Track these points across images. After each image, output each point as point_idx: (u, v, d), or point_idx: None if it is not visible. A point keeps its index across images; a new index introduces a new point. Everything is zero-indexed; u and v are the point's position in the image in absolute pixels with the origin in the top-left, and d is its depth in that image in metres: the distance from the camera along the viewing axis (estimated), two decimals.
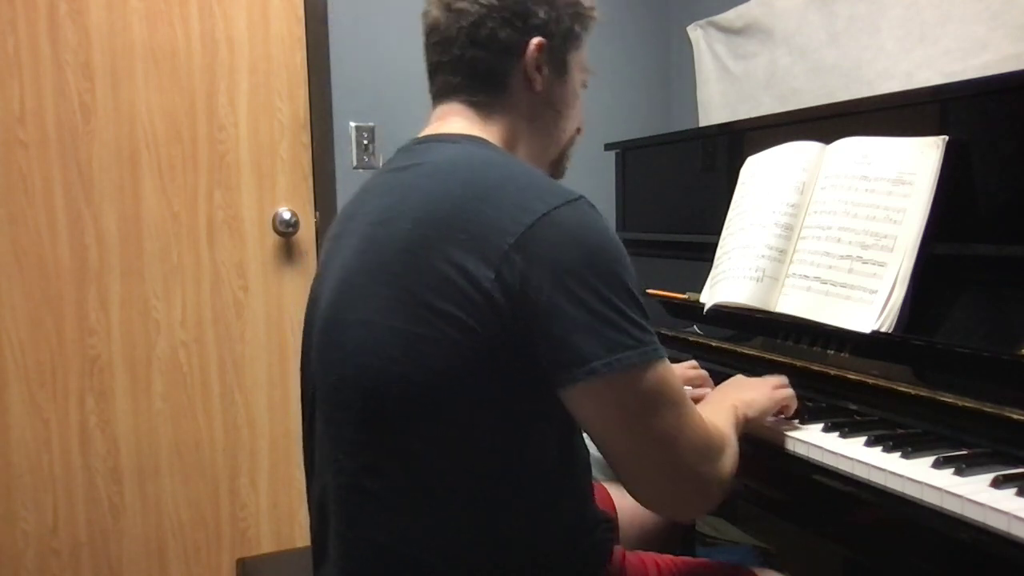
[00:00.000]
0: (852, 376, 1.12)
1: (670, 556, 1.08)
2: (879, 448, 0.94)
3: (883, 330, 1.07)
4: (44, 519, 1.93)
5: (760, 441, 1.06)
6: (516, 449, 0.81)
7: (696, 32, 2.31)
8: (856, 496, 0.93)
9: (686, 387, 1.14)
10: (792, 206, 1.27)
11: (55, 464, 1.93)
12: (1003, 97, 1.10)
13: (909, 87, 1.54)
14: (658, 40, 2.50)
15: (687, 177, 1.78)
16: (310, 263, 2.15)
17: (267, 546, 2.15)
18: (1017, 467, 0.86)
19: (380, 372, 0.79)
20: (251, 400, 2.11)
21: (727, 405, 0.97)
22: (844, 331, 1.12)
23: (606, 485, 1.25)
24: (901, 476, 0.87)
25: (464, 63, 0.92)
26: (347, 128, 2.15)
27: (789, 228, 1.27)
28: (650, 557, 1.06)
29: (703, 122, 2.30)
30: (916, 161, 1.12)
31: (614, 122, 2.34)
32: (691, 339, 1.47)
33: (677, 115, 2.48)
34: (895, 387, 1.05)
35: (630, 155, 1.94)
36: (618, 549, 1.01)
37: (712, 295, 1.36)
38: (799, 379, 1.20)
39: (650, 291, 1.62)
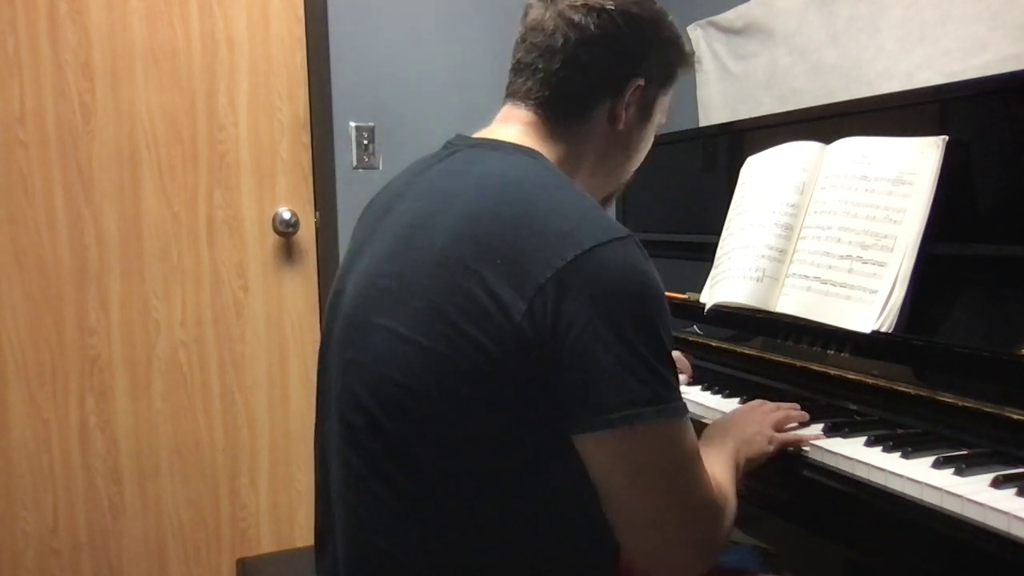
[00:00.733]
0: (852, 376, 1.12)
1: None
2: (879, 448, 0.94)
3: (883, 330, 1.07)
4: (44, 519, 1.93)
5: None
6: (526, 470, 0.79)
7: (696, 32, 2.31)
8: (856, 496, 0.92)
9: None
10: (792, 206, 1.27)
11: (55, 464, 1.93)
12: (1003, 97, 1.10)
13: (909, 87, 1.54)
14: None
15: (687, 177, 1.78)
16: (310, 263, 2.15)
17: (267, 546, 2.15)
18: (1017, 467, 0.86)
19: (400, 386, 0.78)
20: (251, 400, 2.11)
21: (729, 449, 0.93)
22: (844, 331, 1.12)
23: None
24: (901, 476, 0.87)
25: (557, 79, 0.87)
26: (347, 128, 2.15)
27: (789, 228, 1.27)
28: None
29: (703, 122, 2.30)
30: (916, 161, 1.11)
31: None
32: (691, 339, 1.47)
33: (677, 115, 2.47)
34: (895, 387, 1.05)
35: None
36: (624, 558, 1.00)
37: (712, 295, 1.36)
38: (799, 379, 1.20)
39: None
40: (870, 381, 1.09)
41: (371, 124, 2.17)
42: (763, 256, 1.27)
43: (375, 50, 2.16)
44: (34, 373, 1.90)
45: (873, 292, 1.10)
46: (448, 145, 0.91)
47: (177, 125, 1.99)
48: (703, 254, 1.49)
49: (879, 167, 1.16)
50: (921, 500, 0.84)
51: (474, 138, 0.90)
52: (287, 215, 2.08)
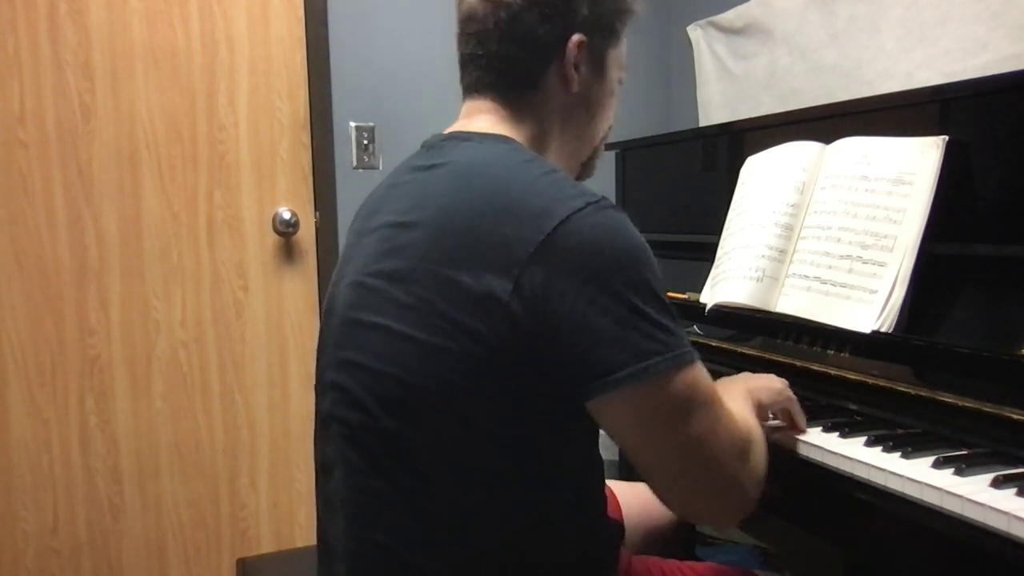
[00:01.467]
0: (852, 376, 1.12)
1: (675, 561, 1.07)
2: (879, 448, 0.94)
3: (883, 330, 1.07)
4: (44, 519, 1.93)
5: None
6: (530, 461, 0.80)
7: (696, 32, 2.31)
8: (856, 496, 0.92)
9: None
10: (792, 206, 1.27)
11: (55, 464, 1.93)
12: (1003, 97, 1.10)
13: (909, 87, 1.54)
14: (658, 40, 2.50)
15: (687, 177, 1.78)
16: (310, 263, 2.15)
17: (267, 546, 2.15)
18: (1017, 467, 0.86)
19: (397, 380, 0.78)
20: (251, 400, 2.11)
21: (741, 389, 0.94)
22: (844, 331, 1.11)
23: (613, 488, 1.25)
24: (901, 476, 0.87)
25: (499, 59, 0.88)
26: (347, 128, 2.15)
27: (789, 228, 1.27)
28: (656, 563, 1.06)
29: (703, 122, 2.30)
30: (916, 161, 1.11)
31: (614, 122, 2.34)
32: (691, 339, 1.47)
33: (677, 115, 2.48)
34: (895, 387, 1.05)
35: (630, 155, 1.94)
36: (625, 555, 1.00)
37: (712, 295, 1.36)
38: (799, 379, 1.19)
39: None
40: (870, 381, 1.09)
41: (371, 124, 2.17)
42: (763, 256, 1.27)
43: (375, 50, 2.16)
44: (34, 373, 1.90)
45: (873, 292, 1.10)
46: (424, 144, 0.93)
47: (177, 125, 1.99)
48: (703, 254, 1.49)
49: (879, 167, 1.16)
50: (921, 500, 0.84)
51: (446, 133, 0.91)
52: (287, 215, 2.08)
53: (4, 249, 1.86)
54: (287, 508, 2.17)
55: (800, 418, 1.03)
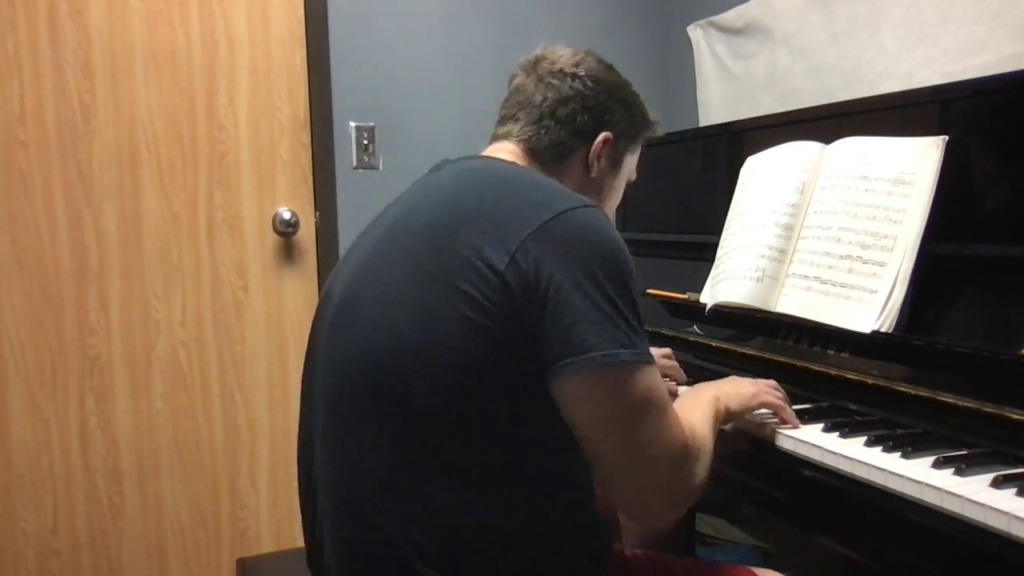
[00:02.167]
0: (852, 376, 1.12)
1: (671, 556, 1.08)
2: (879, 448, 0.94)
3: (883, 330, 1.07)
4: (44, 519, 1.93)
5: (760, 441, 1.06)
6: (523, 438, 0.82)
7: (696, 32, 2.31)
8: (856, 496, 0.93)
9: None
10: (792, 206, 1.28)
11: (55, 464, 1.93)
12: (1003, 97, 1.10)
13: (909, 87, 1.54)
14: (658, 40, 2.50)
15: (687, 177, 1.78)
16: (310, 263, 2.15)
17: (267, 546, 2.15)
18: (1017, 467, 0.86)
19: (389, 348, 0.81)
20: (251, 400, 2.11)
21: (708, 397, 0.98)
22: (844, 331, 1.12)
23: None
24: (901, 476, 0.87)
25: (538, 127, 1.01)
26: (347, 128, 2.15)
27: (789, 228, 1.27)
28: (649, 557, 1.06)
29: (703, 122, 2.30)
30: (916, 161, 1.12)
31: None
32: (691, 339, 1.47)
33: (677, 115, 2.48)
34: (895, 387, 1.05)
35: None
36: (619, 548, 1.00)
37: (712, 295, 1.36)
38: (799, 379, 1.20)
39: (650, 291, 1.62)
40: (870, 381, 1.09)
41: (371, 124, 2.17)
42: (763, 256, 1.27)
43: (375, 50, 2.16)
44: (34, 373, 1.90)
45: (873, 292, 1.10)
46: (433, 167, 1.01)
47: (177, 125, 1.99)
48: (703, 254, 1.49)
49: (879, 167, 1.16)
50: (921, 500, 0.84)
51: (462, 157, 1.00)
52: (287, 215, 2.08)
53: (4, 249, 1.86)
54: (287, 508, 2.17)
55: (787, 415, 1.05)
